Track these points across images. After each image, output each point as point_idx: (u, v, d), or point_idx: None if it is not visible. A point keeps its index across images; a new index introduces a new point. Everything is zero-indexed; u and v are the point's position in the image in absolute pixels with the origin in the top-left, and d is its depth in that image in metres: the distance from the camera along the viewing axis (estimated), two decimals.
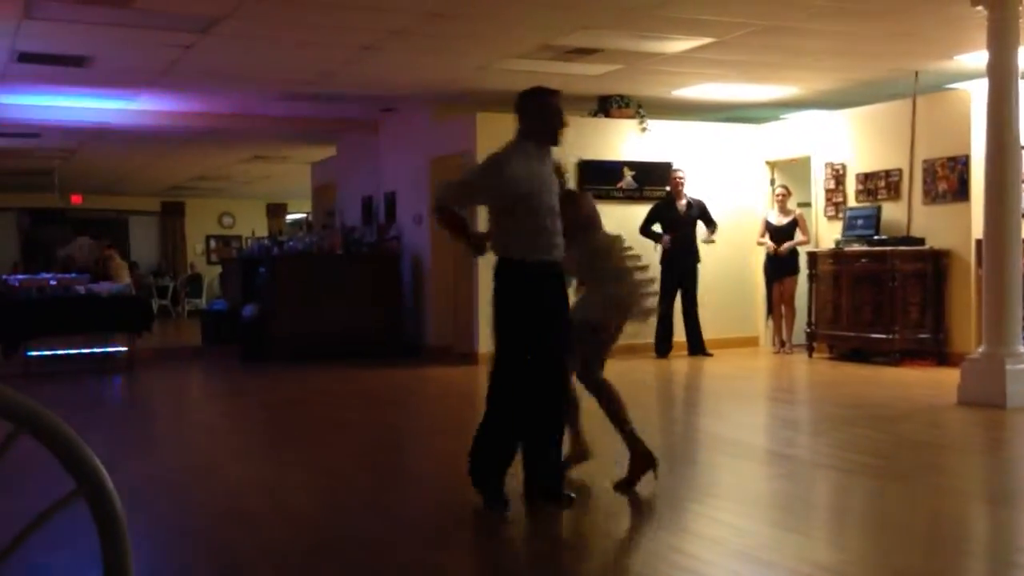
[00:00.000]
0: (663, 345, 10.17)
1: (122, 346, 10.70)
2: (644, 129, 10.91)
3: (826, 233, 10.64)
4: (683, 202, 10.27)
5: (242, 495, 4.81)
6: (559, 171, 4.61)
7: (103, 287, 10.80)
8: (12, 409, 1.43)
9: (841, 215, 10.38)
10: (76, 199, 20.74)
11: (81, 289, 10.56)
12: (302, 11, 7.19)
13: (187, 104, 11.21)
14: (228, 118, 12.07)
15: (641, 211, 10.31)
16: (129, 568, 1.53)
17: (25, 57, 8.46)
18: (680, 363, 10.10)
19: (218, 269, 18.60)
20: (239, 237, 22.22)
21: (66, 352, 10.73)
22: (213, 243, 23.12)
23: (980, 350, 7.15)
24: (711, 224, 10.21)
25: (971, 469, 5.46)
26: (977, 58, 8.07)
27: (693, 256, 10.30)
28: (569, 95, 10.49)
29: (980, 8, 6.90)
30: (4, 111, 11.09)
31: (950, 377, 7.54)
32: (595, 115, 10.94)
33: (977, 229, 8.20)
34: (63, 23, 7.42)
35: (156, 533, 4.18)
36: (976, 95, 8.61)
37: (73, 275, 12.11)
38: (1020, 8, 6.81)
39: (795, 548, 3.75)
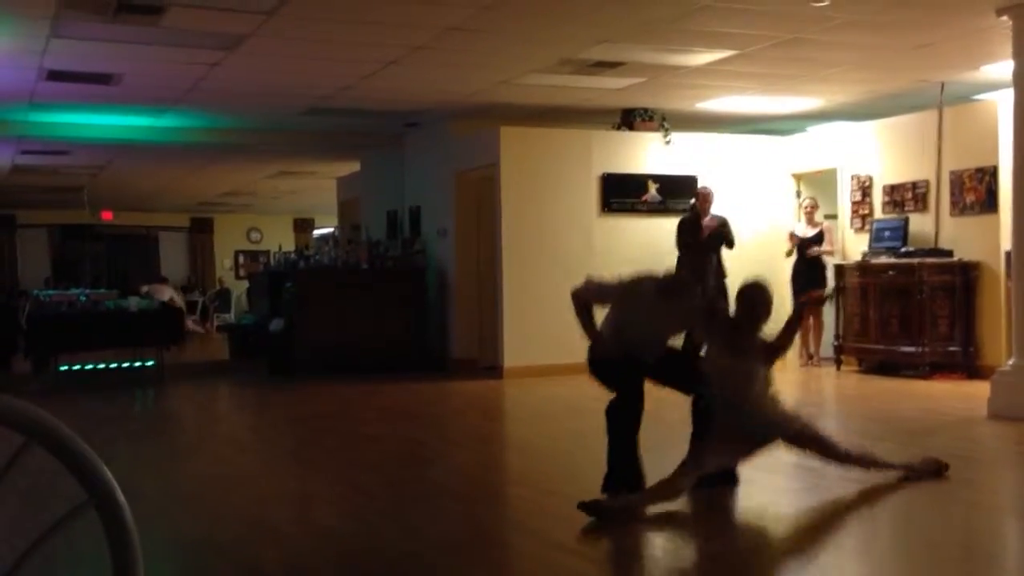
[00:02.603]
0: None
1: (151, 360, 10.80)
2: (668, 142, 10.89)
3: (853, 245, 10.55)
4: (708, 219, 10.20)
5: (267, 508, 4.83)
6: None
7: (132, 302, 10.91)
8: (22, 420, 1.45)
9: (868, 227, 10.30)
10: (107, 215, 21.00)
11: (110, 304, 10.68)
12: (326, 28, 7.25)
13: (214, 120, 11.33)
14: (254, 134, 12.19)
15: (666, 223, 10.25)
16: None
17: (54, 75, 8.59)
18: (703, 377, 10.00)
19: (246, 284, 18.75)
20: (267, 252, 22.38)
21: (96, 366, 10.85)
22: (241, 258, 23.31)
23: (1011, 363, 7.05)
24: (729, 244, 10.00)
25: (1003, 483, 5.39)
26: (1003, 68, 7.99)
27: (718, 274, 10.20)
28: (592, 108, 10.64)
29: (1005, 18, 6.85)
30: (34, 129, 11.26)
31: (980, 390, 7.44)
32: (619, 128, 10.94)
33: (1006, 240, 8.11)
34: (90, 41, 7.52)
35: (181, 545, 4.21)
36: (1003, 105, 8.52)
37: (103, 290, 12.26)
38: None
39: (823, 563, 3.71)
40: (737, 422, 4.47)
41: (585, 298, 4.87)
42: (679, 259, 9.93)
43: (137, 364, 10.96)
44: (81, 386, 10.36)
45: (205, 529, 4.48)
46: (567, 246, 10.29)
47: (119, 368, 10.96)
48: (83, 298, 11.02)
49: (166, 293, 17.32)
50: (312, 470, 5.95)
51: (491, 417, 8.30)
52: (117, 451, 6.40)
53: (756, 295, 4.60)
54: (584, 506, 4.26)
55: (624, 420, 4.71)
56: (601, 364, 4.78)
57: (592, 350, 4.80)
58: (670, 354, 4.87)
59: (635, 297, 4.77)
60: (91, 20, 6.86)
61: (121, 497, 1.56)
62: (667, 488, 4.41)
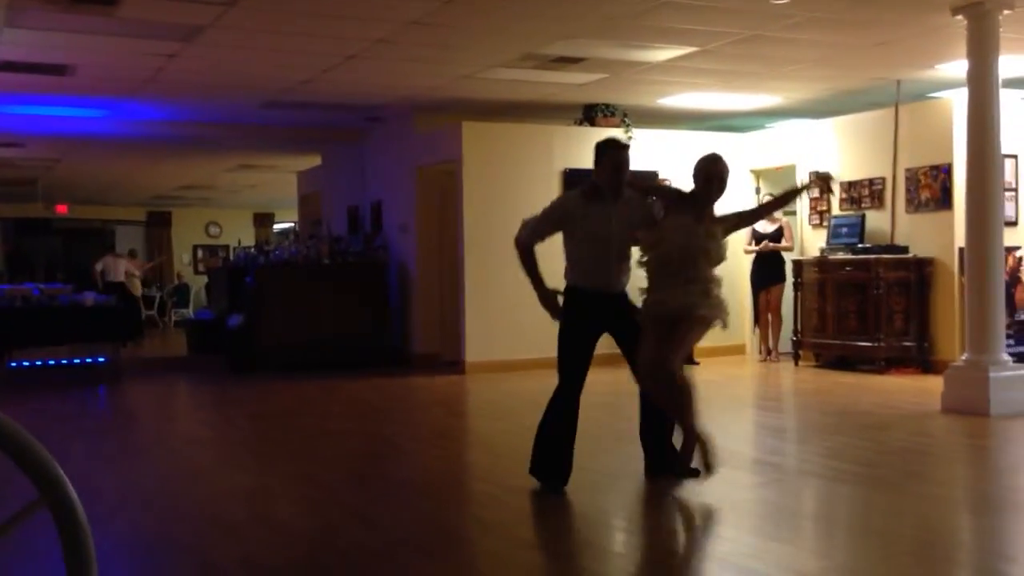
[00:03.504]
0: None
1: (107, 356, 10.65)
2: (630, 137, 10.90)
3: (811, 241, 10.68)
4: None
5: (225, 505, 4.78)
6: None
7: (87, 297, 10.74)
8: None
9: (826, 223, 10.43)
10: (61, 209, 20.66)
11: (65, 299, 10.51)
12: (285, 20, 7.18)
13: (172, 113, 11.19)
14: (213, 127, 12.06)
15: None
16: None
17: (6, 66, 8.42)
18: None
19: (205, 279, 18.56)
20: (226, 247, 22.16)
21: (50, 362, 10.68)
22: (200, 253, 23.06)
23: (964, 358, 7.18)
24: None
25: (956, 477, 5.48)
26: (958, 67, 8.12)
27: None
28: (554, 104, 10.65)
29: (960, 17, 6.96)
30: None
31: (934, 385, 7.57)
32: (580, 124, 10.97)
33: (960, 237, 8.25)
34: (44, 31, 7.39)
35: (136, 543, 4.16)
36: (958, 104, 8.66)
37: (57, 285, 12.06)
38: (1000, 16, 6.86)
39: (779, 556, 3.75)
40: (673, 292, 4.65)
41: (527, 240, 4.85)
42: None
43: (92, 360, 10.80)
44: (34, 383, 10.19)
45: (162, 527, 4.42)
46: None
47: (74, 364, 10.79)
48: (37, 292, 10.83)
49: (120, 268, 17.14)
50: (272, 467, 5.90)
51: (453, 412, 8.29)
52: (71, 448, 6.31)
53: (710, 167, 4.84)
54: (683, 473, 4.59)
55: (570, 410, 4.74)
56: (575, 301, 4.76)
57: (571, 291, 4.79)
58: (626, 297, 4.87)
59: (584, 213, 4.77)
60: (45, 9, 6.72)
61: (74, 494, 1.54)
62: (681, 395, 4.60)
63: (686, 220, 4.71)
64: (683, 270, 4.66)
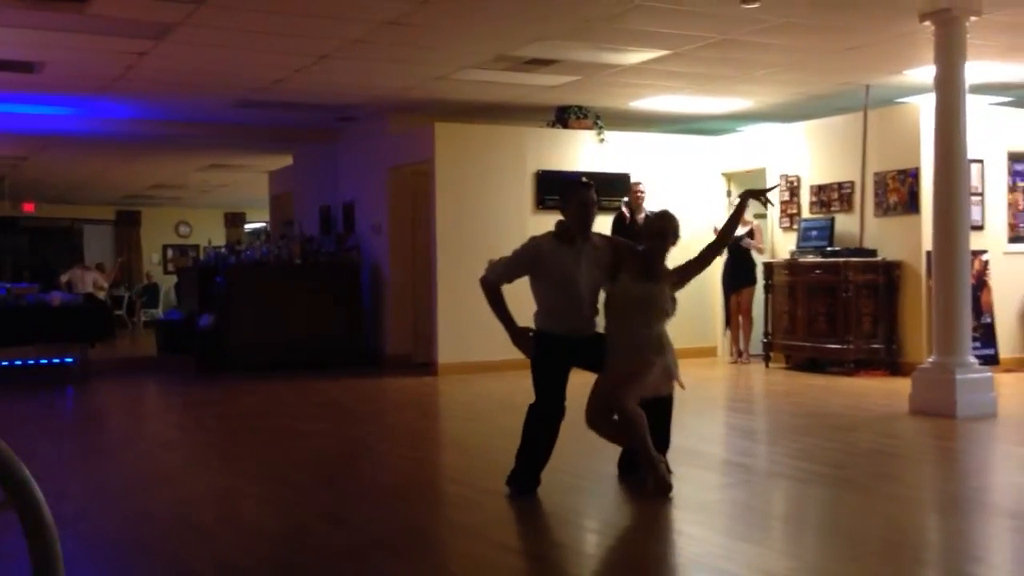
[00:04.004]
0: None
1: (75, 356, 10.53)
2: (602, 140, 10.97)
3: (781, 244, 10.76)
4: (642, 216, 10.32)
5: (194, 507, 4.75)
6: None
7: (54, 296, 10.61)
8: None
9: (796, 226, 10.52)
10: (28, 207, 20.36)
11: (31, 299, 10.38)
12: (257, 19, 7.14)
13: (142, 111, 11.09)
14: (184, 126, 11.96)
15: (600, 220, 10.32)
16: None
17: None
18: None
19: (174, 279, 18.40)
20: (196, 246, 21.98)
21: (16, 363, 10.54)
22: (170, 252, 22.86)
23: (930, 360, 7.26)
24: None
25: (923, 478, 5.54)
26: (926, 72, 8.22)
27: None
28: (527, 105, 10.66)
29: (927, 23, 7.04)
30: None
31: (902, 387, 7.65)
32: (553, 125, 10.99)
33: (927, 241, 8.34)
34: (12, 28, 7.30)
35: (104, 544, 4.12)
36: (925, 109, 8.77)
37: (24, 284, 11.90)
38: (967, 23, 6.95)
39: (748, 557, 3.77)
40: (631, 343, 4.73)
41: (494, 281, 4.85)
42: None
43: (60, 360, 10.67)
44: (1, 383, 10.05)
45: (130, 528, 4.38)
46: (502, 243, 10.13)
47: (41, 365, 10.65)
48: (3, 292, 10.68)
49: (88, 280, 16.90)
50: (242, 468, 5.86)
51: (425, 414, 8.28)
52: (38, 450, 6.24)
53: (663, 224, 4.93)
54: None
55: (550, 424, 4.76)
56: (547, 346, 4.77)
57: (539, 335, 4.80)
58: (598, 336, 4.89)
59: (554, 255, 4.78)
60: (13, 6, 6.65)
61: (40, 496, 1.52)
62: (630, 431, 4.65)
63: (639, 279, 4.78)
64: (638, 325, 4.74)
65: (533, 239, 4.94)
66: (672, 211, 5.06)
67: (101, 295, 17.09)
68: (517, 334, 4.82)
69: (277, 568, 3.74)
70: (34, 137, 12.40)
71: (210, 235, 19.83)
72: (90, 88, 9.60)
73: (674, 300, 4.87)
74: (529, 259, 4.84)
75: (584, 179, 5.18)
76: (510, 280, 4.89)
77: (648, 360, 4.73)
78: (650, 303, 4.76)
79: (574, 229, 4.84)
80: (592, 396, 4.81)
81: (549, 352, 4.78)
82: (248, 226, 22.44)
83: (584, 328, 4.83)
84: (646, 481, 4.68)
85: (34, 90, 9.65)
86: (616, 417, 4.71)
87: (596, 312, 4.89)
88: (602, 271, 4.84)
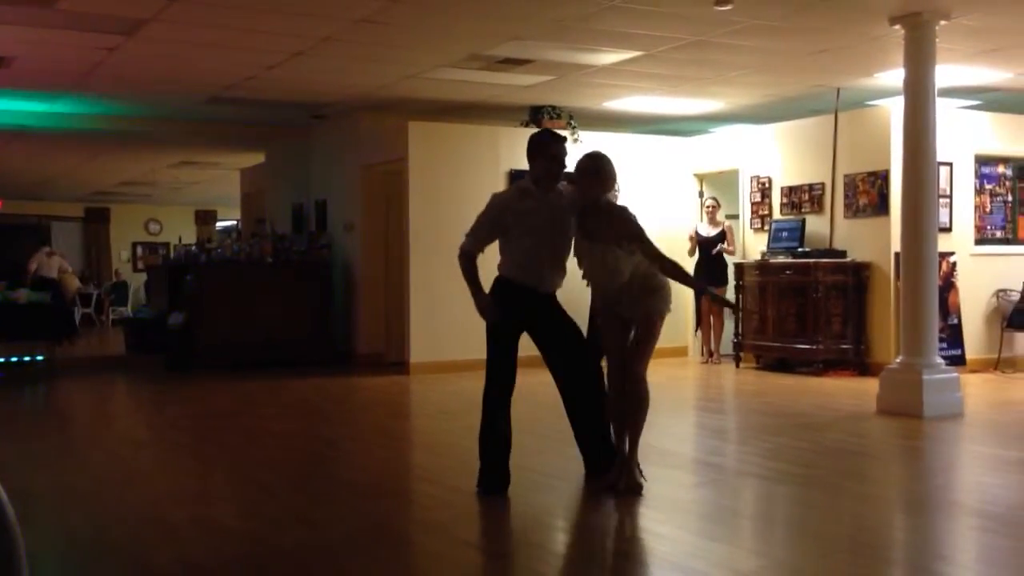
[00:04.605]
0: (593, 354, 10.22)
1: (42, 355, 10.41)
2: (576, 140, 10.97)
3: (752, 245, 10.83)
4: None
5: (164, 506, 4.71)
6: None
7: (20, 293, 10.49)
8: None
9: (767, 227, 10.59)
10: None
11: None
12: (229, 15, 7.09)
13: (111, 107, 10.97)
14: (154, 122, 11.85)
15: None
16: None
17: None
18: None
19: (144, 277, 18.22)
20: (166, 244, 21.79)
21: None
22: (139, 250, 22.65)
23: (898, 360, 7.34)
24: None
25: (890, 477, 5.60)
26: (896, 75, 8.31)
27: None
28: (500, 105, 10.65)
29: (897, 27, 7.11)
30: None
31: (870, 387, 7.73)
32: (526, 125, 10.98)
33: (896, 242, 8.43)
34: None
35: (70, 544, 4.07)
36: (895, 111, 8.85)
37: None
38: (936, 27, 7.03)
39: (717, 555, 3.80)
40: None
41: (470, 250, 4.76)
42: None
43: (27, 359, 10.54)
44: None
45: (98, 528, 4.34)
46: None
47: (7, 363, 10.52)
48: None
49: (54, 265, 16.70)
50: (212, 468, 5.82)
51: (397, 413, 8.26)
52: (2, 449, 6.16)
53: (587, 164, 4.68)
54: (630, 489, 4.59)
55: (502, 399, 4.74)
56: (509, 294, 4.74)
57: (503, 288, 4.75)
58: (558, 314, 4.87)
59: (521, 208, 4.74)
60: None
61: (2, 494, 1.50)
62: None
63: (585, 236, 4.69)
64: (612, 287, 4.69)
65: (496, 195, 4.91)
66: (597, 153, 4.79)
67: (71, 279, 16.86)
68: (483, 300, 4.74)
69: (246, 568, 3.71)
70: (2, 132, 12.24)
71: (180, 233, 19.64)
72: (60, 83, 9.49)
73: (624, 258, 4.61)
74: (495, 214, 4.80)
75: (554, 131, 5.05)
76: (484, 243, 4.80)
77: (648, 318, 4.68)
78: (611, 271, 4.64)
79: (542, 181, 4.79)
80: (610, 369, 4.77)
81: (501, 300, 4.73)
82: (219, 224, 22.27)
83: (545, 284, 4.79)
84: (617, 481, 4.70)
85: (3, 85, 9.52)
86: (628, 390, 4.68)
87: (561, 271, 4.83)
88: (568, 221, 4.76)
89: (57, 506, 4.71)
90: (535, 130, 10.74)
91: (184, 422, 7.76)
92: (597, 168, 4.69)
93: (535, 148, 4.86)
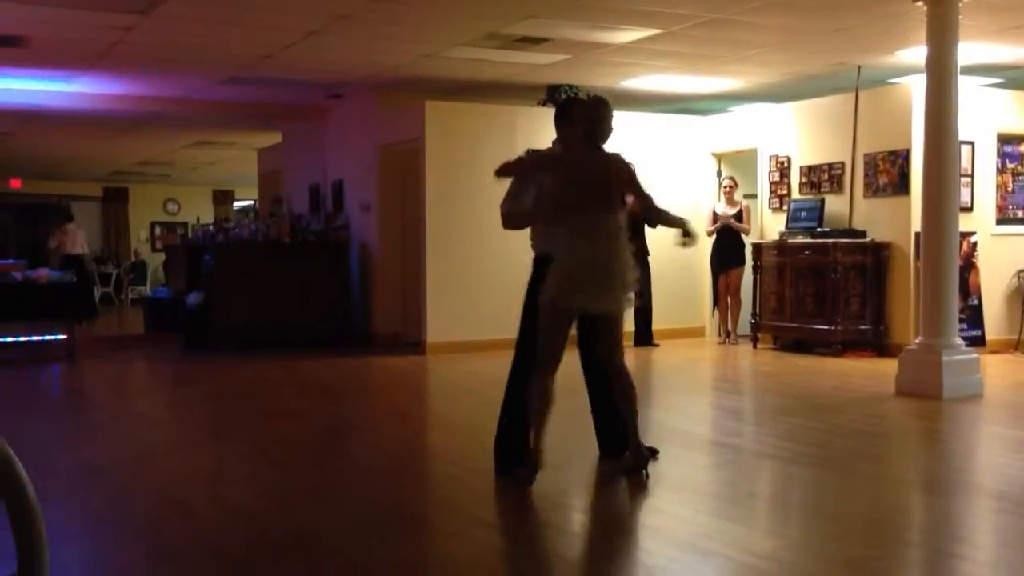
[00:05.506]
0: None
1: (62, 334, 10.48)
2: None
3: (771, 225, 10.76)
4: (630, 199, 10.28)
5: (181, 486, 4.74)
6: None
7: (41, 273, 10.55)
8: None
9: (785, 207, 10.52)
10: (15, 183, 20.27)
11: (18, 275, 10.31)
12: None
13: (129, 87, 10.99)
14: (171, 102, 11.86)
15: None
16: (44, 558, 1.49)
17: None
18: (627, 353, 10.13)
19: (162, 256, 18.32)
20: (184, 224, 21.89)
21: (3, 340, 10.48)
22: (158, 230, 22.76)
23: (917, 341, 7.28)
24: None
25: (908, 458, 5.57)
26: (917, 53, 8.20)
27: (643, 249, 10.35)
28: (517, 84, 10.60)
29: (920, 3, 7.02)
30: None
31: (889, 367, 7.68)
32: (543, 104, 10.91)
33: (916, 222, 8.35)
34: None
35: (91, 523, 4.11)
36: (917, 90, 8.75)
37: (11, 261, 11.83)
38: (959, 4, 6.93)
39: (733, 536, 3.79)
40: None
41: (510, 210, 4.68)
42: None
43: (47, 338, 10.61)
44: None
45: (116, 507, 4.38)
46: (491, 222, 10.15)
47: (28, 342, 10.60)
48: None
49: (78, 241, 16.73)
50: (228, 447, 5.85)
51: (414, 393, 8.28)
52: (23, 428, 6.22)
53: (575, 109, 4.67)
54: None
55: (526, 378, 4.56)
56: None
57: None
58: None
59: (561, 158, 4.61)
60: None
61: (24, 474, 1.51)
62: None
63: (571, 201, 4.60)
64: (591, 264, 4.55)
65: (531, 151, 4.72)
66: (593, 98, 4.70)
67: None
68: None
69: (260, 547, 3.73)
70: (20, 112, 12.29)
71: (198, 212, 19.72)
72: (77, 63, 9.51)
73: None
74: (532, 163, 4.62)
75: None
76: (523, 198, 4.63)
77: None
78: (596, 224, 4.55)
79: (580, 142, 4.57)
80: (540, 379, 4.49)
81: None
82: (237, 204, 22.34)
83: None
84: (628, 457, 4.66)
85: (20, 65, 9.55)
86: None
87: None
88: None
89: (75, 485, 4.75)
90: (551, 109, 10.79)
91: (202, 401, 7.81)
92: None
93: (573, 109, 4.79)
